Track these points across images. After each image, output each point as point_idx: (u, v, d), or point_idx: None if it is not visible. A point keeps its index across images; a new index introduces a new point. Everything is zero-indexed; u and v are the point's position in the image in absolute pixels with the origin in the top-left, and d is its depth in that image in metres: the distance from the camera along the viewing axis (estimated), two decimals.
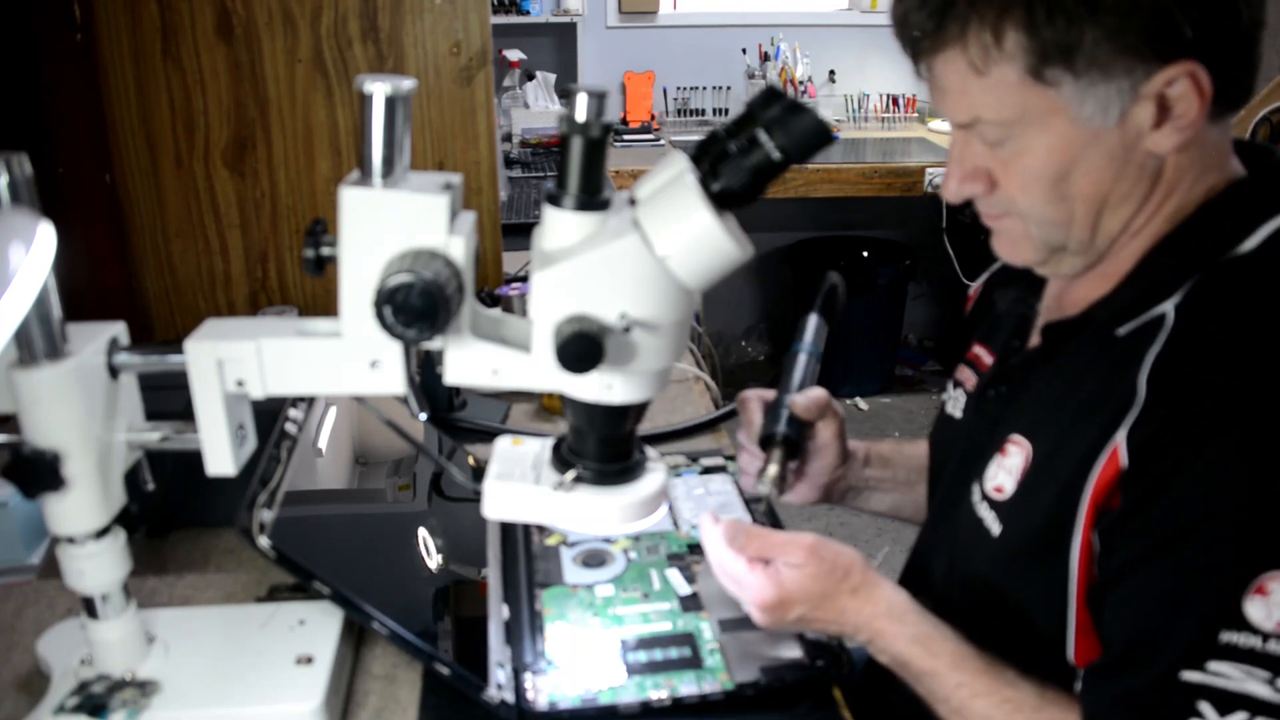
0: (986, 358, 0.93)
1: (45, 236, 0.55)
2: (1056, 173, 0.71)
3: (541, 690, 0.83)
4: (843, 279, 1.07)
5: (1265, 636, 0.62)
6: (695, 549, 1.03)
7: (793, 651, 0.88)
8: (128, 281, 1.50)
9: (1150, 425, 0.67)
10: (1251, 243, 0.70)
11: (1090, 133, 0.69)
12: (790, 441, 0.97)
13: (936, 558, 0.93)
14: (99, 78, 1.40)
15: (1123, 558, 0.68)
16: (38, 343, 0.67)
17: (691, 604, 0.94)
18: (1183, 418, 0.66)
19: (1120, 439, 0.68)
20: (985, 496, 0.82)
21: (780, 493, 0.98)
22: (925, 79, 0.75)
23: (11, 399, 0.68)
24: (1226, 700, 0.62)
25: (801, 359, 1.02)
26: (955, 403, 0.95)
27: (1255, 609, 0.62)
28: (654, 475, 0.76)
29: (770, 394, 1.02)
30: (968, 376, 0.95)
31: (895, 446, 1.10)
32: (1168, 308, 0.71)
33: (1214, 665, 0.63)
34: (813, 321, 1.04)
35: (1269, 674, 0.62)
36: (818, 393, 0.99)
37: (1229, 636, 0.63)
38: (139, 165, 1.46)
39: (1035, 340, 0.86)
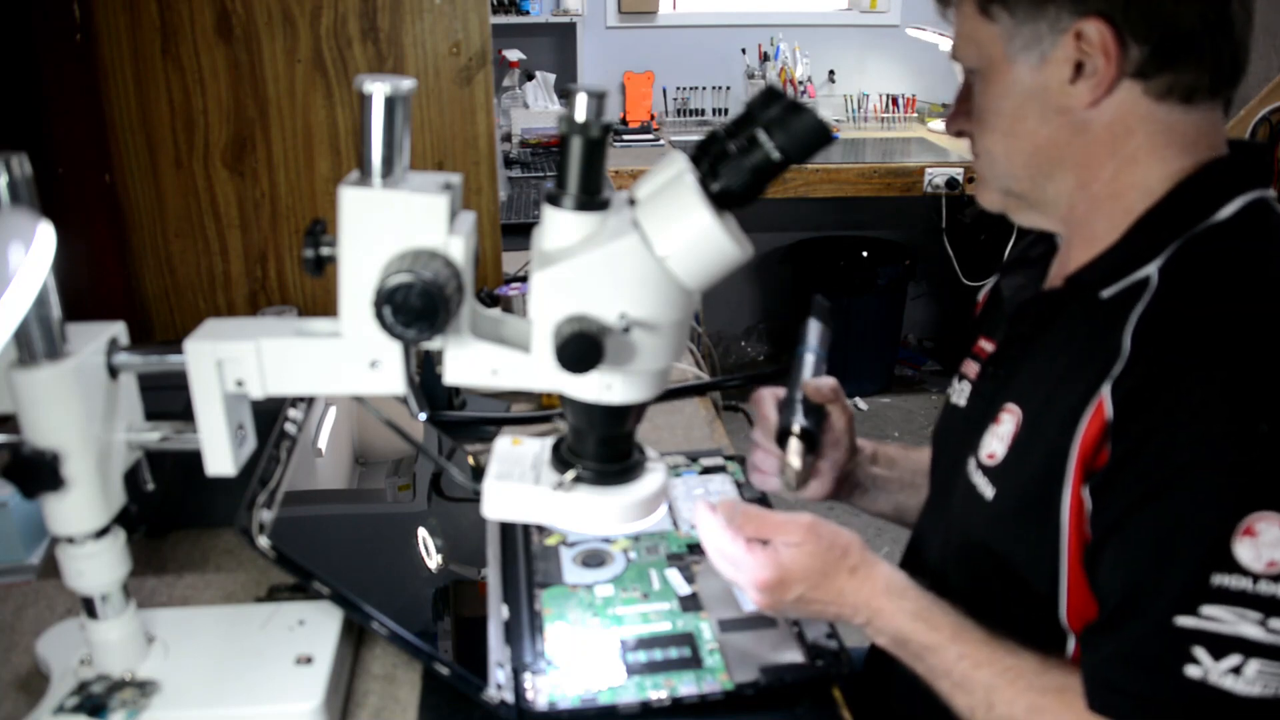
0: (989, 348, 0.94)
1: (45, 236, 0.55)
2: (994, 108, 0.79)
3: (541, 690, 0.83)
4: (828, 302, 1.08)
5: (1255, 578, 0.62)
6: (695, 549, 1.03)
7: (792, 651, 0.88)
8: (127, 281, 1.50)
9: (1135, 376, 0.68)
10: (1227, 211, 0.73)
11: (1020, 73, 0.76)
12: (809, 435, 0.97)
13: (933, 535, 0.94)
14: (99, 78, 1.40)
15: (1114, 512, 0.69)
16: (37, 343, 0.67)
17: (691, 604, 0.94)
18: (1167, 367, 0.67)
19: (1105, 392, 0.70)
20: (980, 465, 0.83)
21: (801, 486, 0.97)
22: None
23: (11, 399, 0.68)
24: (1220, 644, 0.63)
25: (809, 358, 1.02)
26: (960, 393, 0.96)
27: (1245, 550, 0.62)
28: (654, 475, 0.76)
29: (783, 392, 1.02)
30: (971, 368, 0.96)
31: (902, 449, 1.10)
32: (1151, 270, 0.73)
33: (1207, 609, 0.64)
34: (814, 326, 1.04)
35: (1261, 615, 0.62)
36: (828, 379, 1.00)
37: (1220, 579, 0.63)
38: (139, 165, 1.46)
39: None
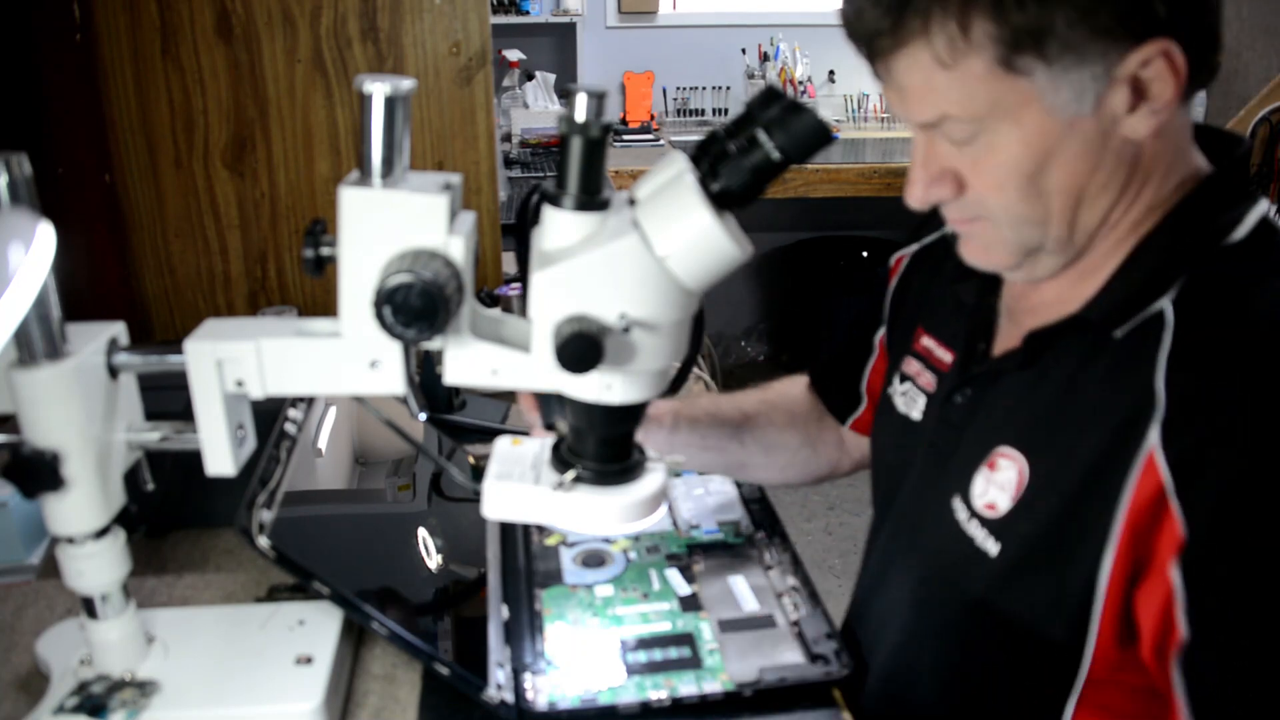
0: (940, 352, 0.88)
1: (45, 236, 0.55)
2: (1032, 167, 0.68)
3: (541, 690, 0.83)
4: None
5: None
6: (695, 549, 1.03)
7: (792, 651, 0.88)
8: (127, 282, 1.51)
9: (1188, 436, 0.63)
10: (1239, 233, 0.69)
11: (1065, 122, 0.66)
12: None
13: (899, 574, 0.88)
14: (99, 78, 1.40)
15: (1208, 605, 0.63)
16: (37, 343, 0.67)
17: (691, 604, 0.94)
18: (1223, 427, 0.62)
19: (1153, 448, 0.64)
20: (975, 514, 0.77)
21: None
22: (882, 79, 0.71)
23: (11, 399, 0.68)
24: None
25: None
26: (909, 401, 0.90)
27: None
28: (653, 475, 0.76)
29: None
30: (919, 371, 0.90)
31: (711, 403, 1.03)
32: (1164, 304, 0.68)
33: None
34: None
35: None
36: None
37: None
38: (139, 165, 1.46)
39: (1006, 342, 0.81)
